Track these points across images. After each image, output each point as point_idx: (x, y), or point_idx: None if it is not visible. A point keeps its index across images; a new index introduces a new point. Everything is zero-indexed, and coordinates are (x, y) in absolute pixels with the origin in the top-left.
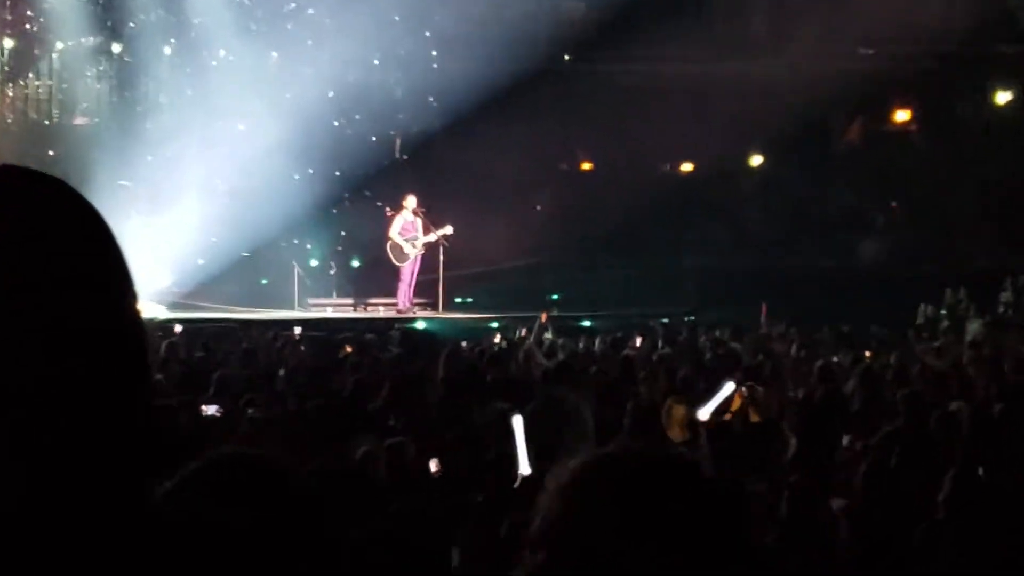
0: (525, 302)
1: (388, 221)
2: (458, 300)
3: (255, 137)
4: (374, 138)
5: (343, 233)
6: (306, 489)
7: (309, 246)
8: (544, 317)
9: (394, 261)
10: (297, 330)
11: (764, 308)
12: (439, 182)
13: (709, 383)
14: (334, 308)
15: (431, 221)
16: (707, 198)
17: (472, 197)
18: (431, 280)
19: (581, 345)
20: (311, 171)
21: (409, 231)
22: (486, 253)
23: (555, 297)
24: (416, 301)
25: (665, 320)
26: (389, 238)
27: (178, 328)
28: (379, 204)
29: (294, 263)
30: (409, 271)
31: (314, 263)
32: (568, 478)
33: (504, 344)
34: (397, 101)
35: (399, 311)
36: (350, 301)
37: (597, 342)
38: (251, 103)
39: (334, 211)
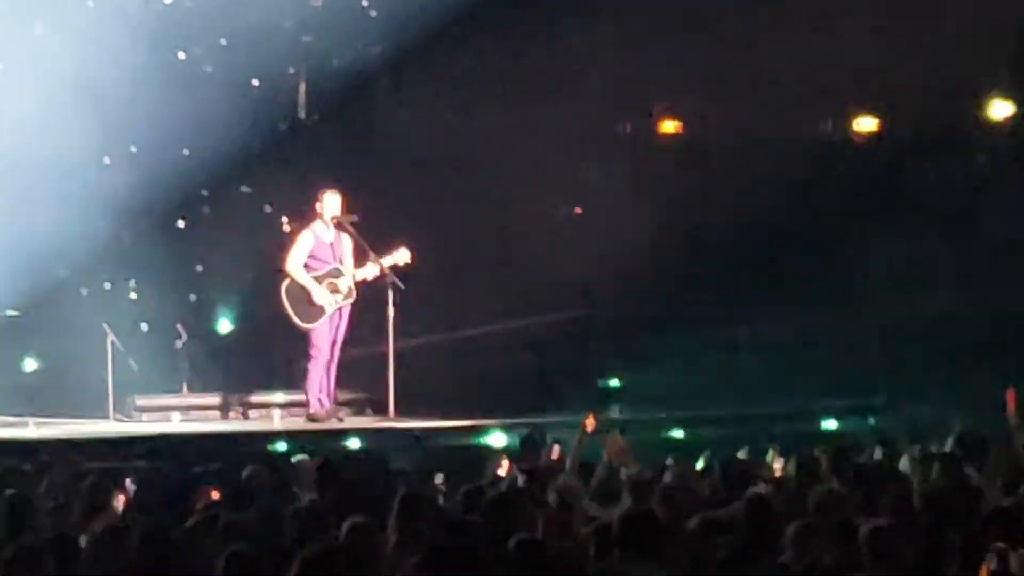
0: (555, 393)
1: (286, 242)
2: (423, 393)
3: (23, 87)
4: (256, 82)
5: (198, 268)
6: None
7: (133, 293)
8: (591, 423)
9: (296, 320)
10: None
11: (1011, 396)
12: (382, 164)
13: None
14: (183, 414)
15: (368, 241)
16: (906, 183)
17: (447, 192)
18: (371, 355)
19: (669, 477)
20: (133, 149)
21: (324, 260)
22: (476, 299)
23: (615, 384)
24: (343, 398)
25: (832, 421)
26: (287, 274)
27: None
28: (267, 209)
29: (106, 327)
30: (327, 338)
31: (144, 326)
32: None
33: (520, 479)
34: (302, 10)
35: (311, 416)
36: (214, 399)
37: (700, 468)
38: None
39: (180, 224)
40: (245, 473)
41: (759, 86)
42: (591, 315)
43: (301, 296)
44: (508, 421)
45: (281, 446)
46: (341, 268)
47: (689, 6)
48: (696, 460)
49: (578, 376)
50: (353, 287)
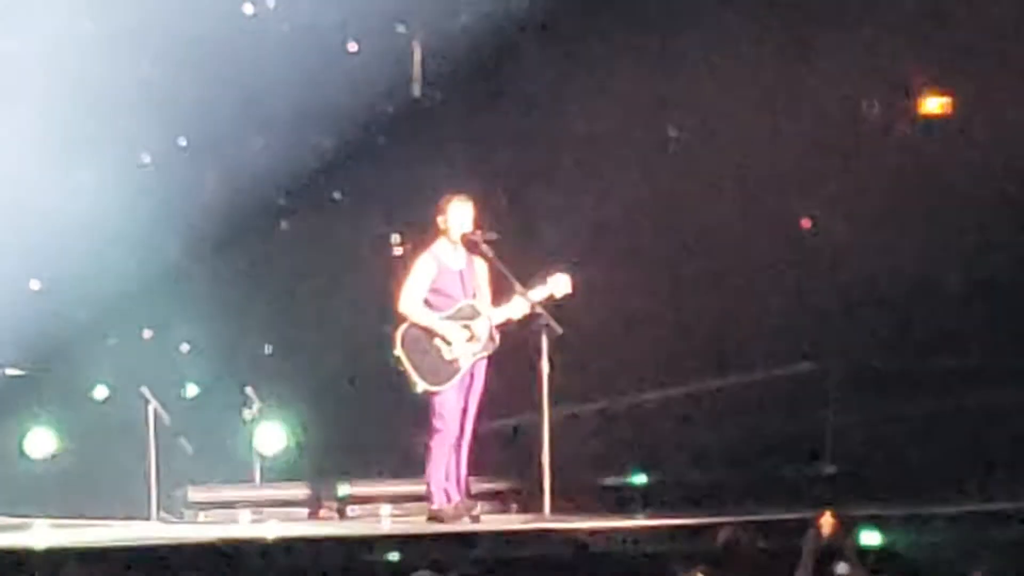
0: (771, 481)
1: (399, 271)
2: (589, 480)
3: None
4: (352, 46)
5: (275, 306)
6: None
7: (185, 345)
8: (831, 523)
9: (419, 380)
10: None
11: None
12: (531, 161)
13: None
14: (254, 512)
15: (511, 267)
16: None
17: (624, 197)
18: (517, 428)
19: None
20: (182, 142)
21: (452, 295)
22: (661, 349)
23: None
24: (479, 488)
25: None
26: (402, 316)
27: None
28: (373, 225)
29: (146, 392)
30: (457, 405)
31: (192, 391)
32: None
33: None
34: None
35: (435, 514)
36: (300, 492)
37: None
38: None
39: (254, 243)
40: None
41: None
42: (821, 371)
43: (425, 346)
44: (704, 520)
45: (393, 556)
46: (476, 305)
47: None
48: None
49: (792, 452)
50: (494, 332)
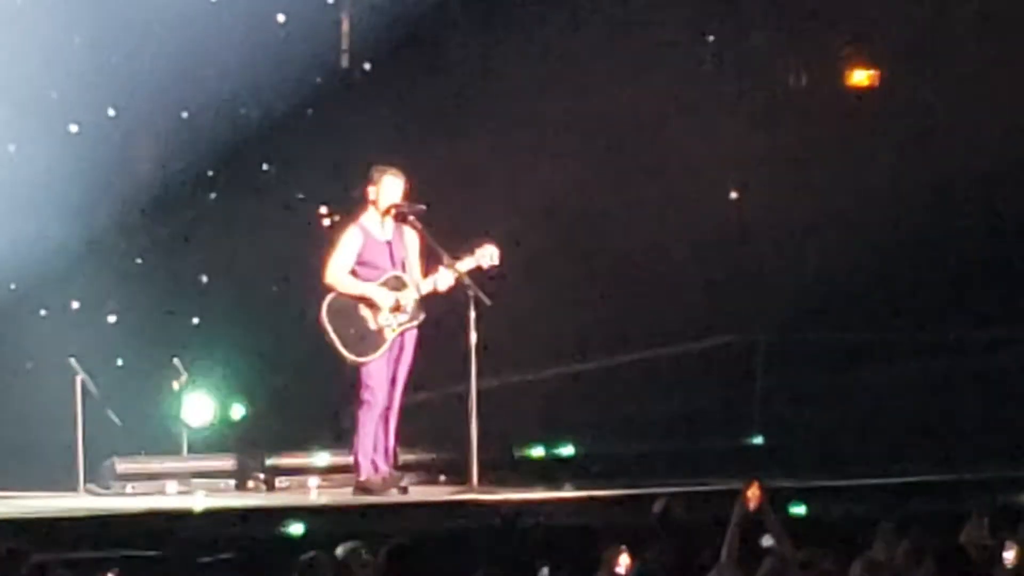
0: (701, 450)
1: (326, 242)
2: (524, 453)
3: None
4: (281, 18)
5: (202, 279)
6: None
7: (113, 316)
8: (756, 494)
9: (343, 351)
10: None
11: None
12: (459, 131)
13: None
14: (182, 483)
15: (440, 238)
16: None
17: (552, 168)
18: (444, 399)
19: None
20: (111, 112)
21: (379, 265)
22: (590, 320)
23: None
24: (407, 459)
25: None
26: (328, 287)
27: None
28: (298, 195)
29: (74, 363)
30: (384, 376)
31: (119, 362)
32: None
33: None
34: None
35: (363, 485)
36: (227, 463)
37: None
38: None
39: (182, 214)
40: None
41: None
42: (750, 342)
43: (350, 317)
44: (631, 492)
45: (317, 528)
46: (403, 276)
47: None
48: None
49: (728, 425)
50: (421, 303)
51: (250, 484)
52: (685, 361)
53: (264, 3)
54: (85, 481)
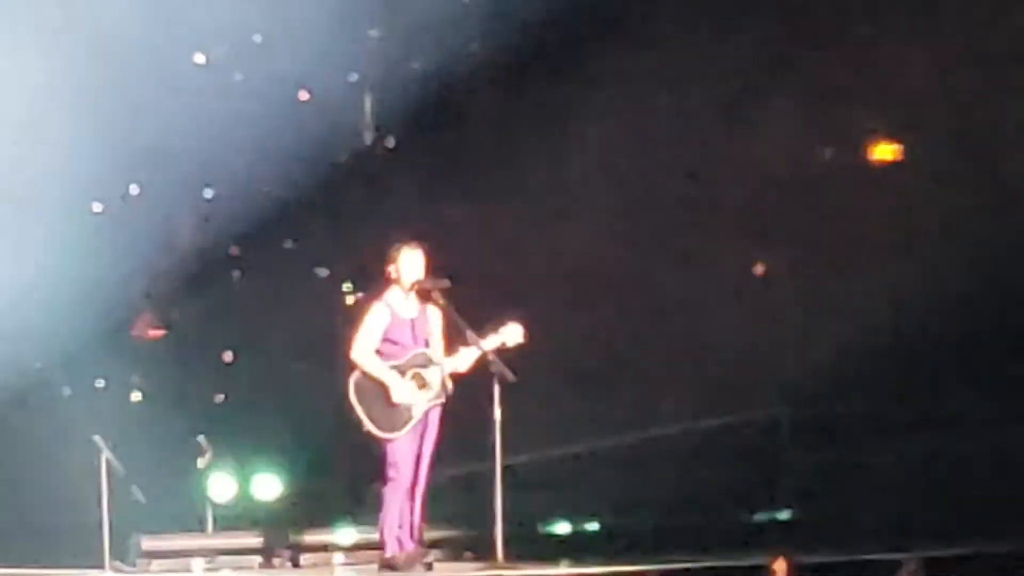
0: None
1: (352, 317)
2: (549, 529)
3: None
4: (303, 95)
5: (225, 357)
6: None
7: (137, 394)
8: (783, 568)
9: (372, 428)
10: None
11: None
12: (484, 209)
13: None
14: (208, 561)
15: (464, 316)
16: None
17: (581, 245)
18: (470, 476)
19: None
20: (134, 190)
21: (404, 343)
22: (617, 397)
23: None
24: (432, 536)
25: None
26: (354, 364)
27: None
28: (321, 272)
29: (98, 441)
30: (410, 453)
31: (144, 440)
32: None
33: None
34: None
35: (388, 562)
36: (253, 541)
37: None
38: None
39: (205, 291)
40: None
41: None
42: (779, 417)
43: (377, 395)
44: (656, 567)
45: None
46: (429, 354)
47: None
48: None
49: (754, 499)
50: (447, 380)
51: (275, 561)
52: (711, 436)
53: (286, 82)
54: (111, 559)
